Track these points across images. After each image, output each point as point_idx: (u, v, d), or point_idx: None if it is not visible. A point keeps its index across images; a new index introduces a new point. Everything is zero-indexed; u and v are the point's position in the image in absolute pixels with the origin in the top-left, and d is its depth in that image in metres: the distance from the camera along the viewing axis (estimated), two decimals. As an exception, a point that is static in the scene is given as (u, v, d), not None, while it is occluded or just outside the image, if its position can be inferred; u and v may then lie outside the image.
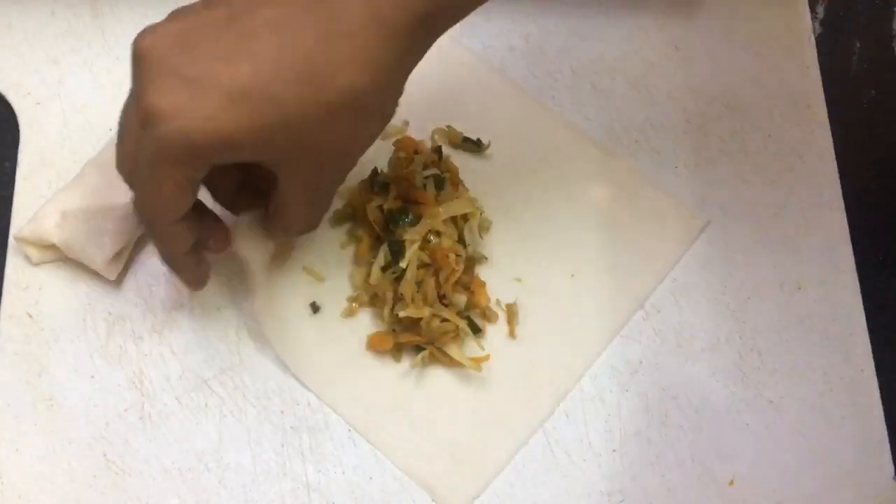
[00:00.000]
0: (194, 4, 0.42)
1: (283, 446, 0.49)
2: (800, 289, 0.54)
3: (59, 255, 0.52)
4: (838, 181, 0.56)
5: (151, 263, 0.53)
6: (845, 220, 0.55)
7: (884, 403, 0.51)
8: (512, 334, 0.52)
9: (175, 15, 0.42)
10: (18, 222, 0.53)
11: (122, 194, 0.51)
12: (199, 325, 0.51)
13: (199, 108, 0.39)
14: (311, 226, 0.49)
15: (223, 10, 0.41)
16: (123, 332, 0.51)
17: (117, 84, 0.57)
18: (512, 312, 0.52)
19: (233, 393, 0.50)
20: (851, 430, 0.51)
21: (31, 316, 0.51)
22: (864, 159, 0.58)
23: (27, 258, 0.52)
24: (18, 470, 0.48)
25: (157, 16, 0.58)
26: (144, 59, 0.41)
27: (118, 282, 0.52)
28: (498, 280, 0.53)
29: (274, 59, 0.40)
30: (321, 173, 0.45)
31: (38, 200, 0.53)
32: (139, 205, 0.44)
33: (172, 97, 0.39)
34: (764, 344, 0.52)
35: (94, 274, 0.52)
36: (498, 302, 0.52)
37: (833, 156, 0.57)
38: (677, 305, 0.53)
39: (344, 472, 0.49)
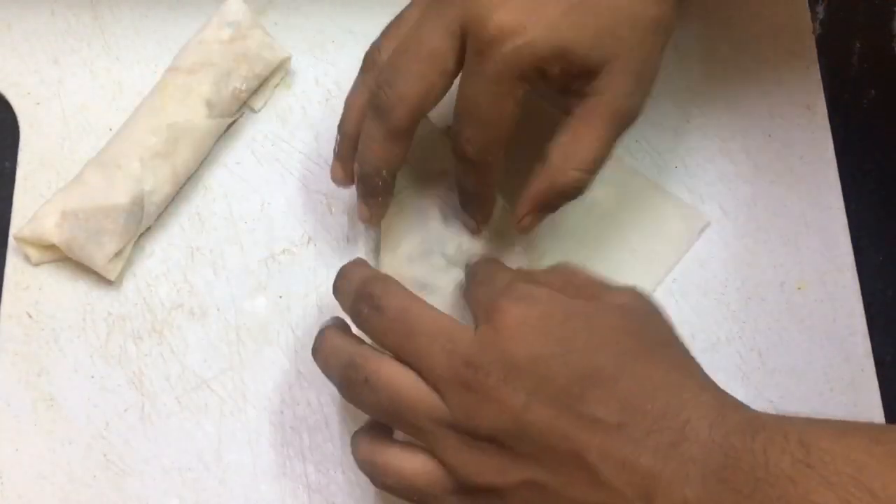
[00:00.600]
0: None
1: (283, 446, 0.49)
2: (800, 289, 0.54)
3: (59, 255, 0.52)
4: (838, 181, 0.56)
5: (151, 263, 0.53)
6: (845, 220, 0.55)
7: (884, 403, 0.51)
8: (512, 334, 0.52)
9: None
10: (18, 222, 0.53)
11: (122, 194, 0.51)
12: (199, 325, 0.51)
13: (542, 19, 0.42)
14: (589, 176, 0.46)
15: None
16: (123, 332, 0.51)
17: (117, 84, 0.57)
18: (512, 312, 0.52)
19: (233, 393, 0.50)
20: (851, 430, 0.51)
21: (31, 316, 0.51)
22: (864, 159, 0.58)
23: (27, 258, 0.52)
24: (18, 470, 0.48)
25: (157, 16, 0.59)
26: None
27: (118, 282, 0.52)
28: (498, 280, 0.52)
29: None
30: (633, 94, 0.45)
31: (38, 200, 0.52)
32: (465, 138, 0.45)
33: (518, 13, 0.42)
34: (764, 344, 0.52)
35: (94, 274, 0.51)
36: (498, 302, 0.52)
37: (833, 156, 0.56)
38: (677, 305, 0.53)
39: (344, 472, 0.49)
